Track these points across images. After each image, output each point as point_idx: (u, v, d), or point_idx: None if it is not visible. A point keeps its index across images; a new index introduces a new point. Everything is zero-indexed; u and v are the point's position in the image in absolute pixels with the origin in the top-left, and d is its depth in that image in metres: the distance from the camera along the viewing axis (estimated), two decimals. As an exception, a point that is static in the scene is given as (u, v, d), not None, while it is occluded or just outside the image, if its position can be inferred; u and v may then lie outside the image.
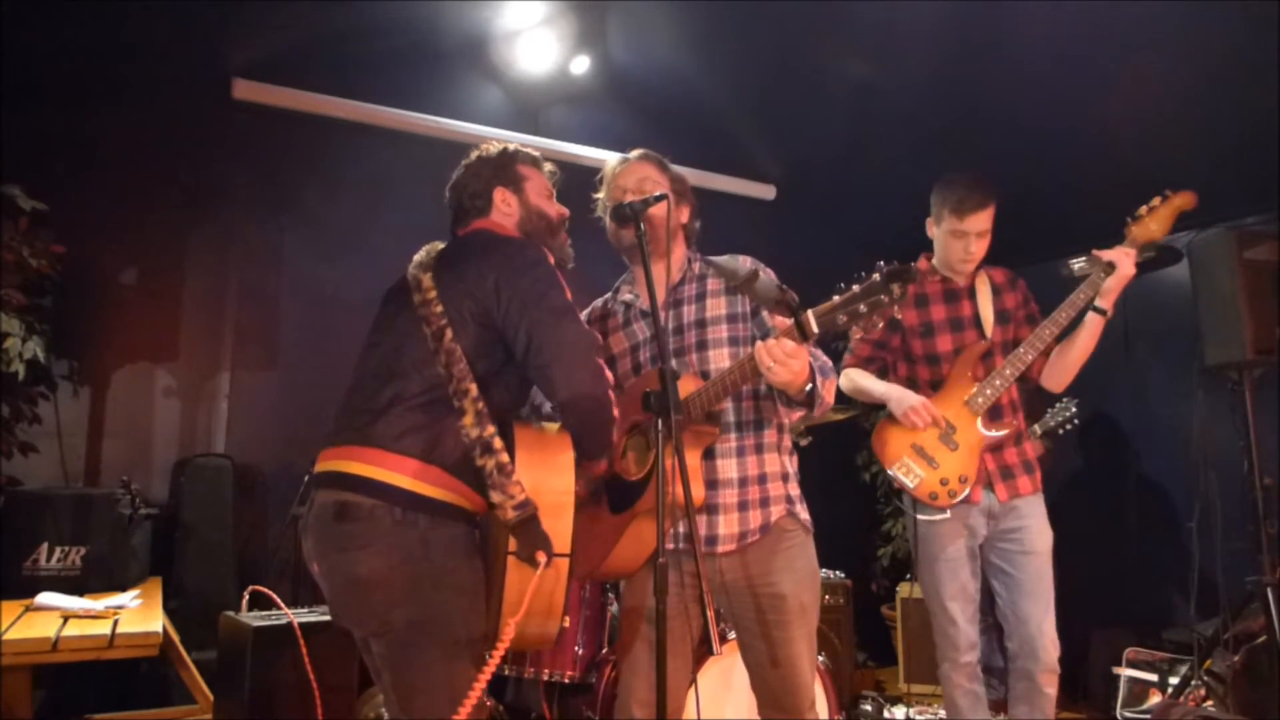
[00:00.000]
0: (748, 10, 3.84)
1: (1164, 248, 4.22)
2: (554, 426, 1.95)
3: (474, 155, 2.18)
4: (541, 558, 1.75)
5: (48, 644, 2.35)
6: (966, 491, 2.71)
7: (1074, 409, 3.94)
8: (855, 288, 1.80)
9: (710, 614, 1.75)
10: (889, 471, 2.81)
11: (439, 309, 1.86)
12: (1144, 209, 2.69)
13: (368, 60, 4.12)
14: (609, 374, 1.89)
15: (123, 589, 3.01)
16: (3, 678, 2.39)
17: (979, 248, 2.80)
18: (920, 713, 4.15)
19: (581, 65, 4.42)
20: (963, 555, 2.76)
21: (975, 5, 3.45)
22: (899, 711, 4.19)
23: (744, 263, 2.16)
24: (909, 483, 2.76)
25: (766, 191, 5.17)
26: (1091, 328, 2.71)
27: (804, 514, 2.25)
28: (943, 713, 3.92)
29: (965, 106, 4.09)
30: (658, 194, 2.12)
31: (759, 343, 1.93)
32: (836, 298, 1.82)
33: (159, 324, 3.91)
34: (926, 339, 2.86)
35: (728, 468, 2.17)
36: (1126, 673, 3.88)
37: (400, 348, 1.89)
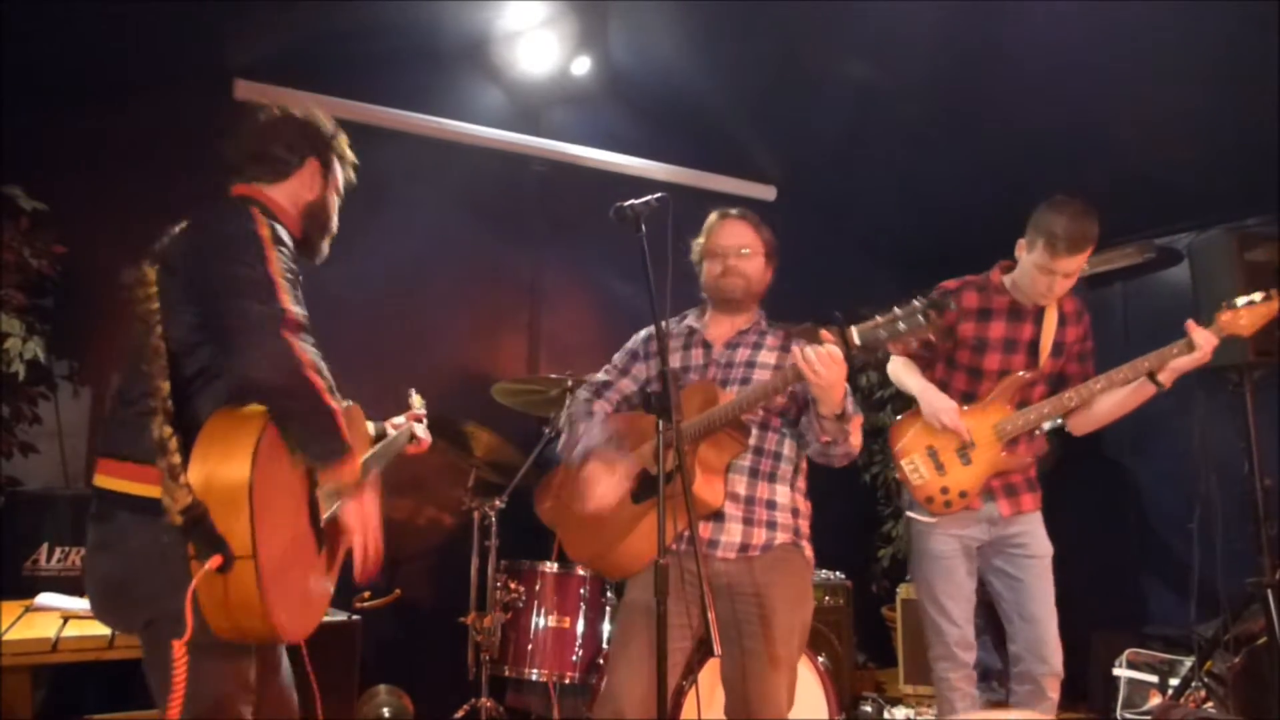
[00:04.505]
0: (748, 10, 3.84)
1: (1167, 250, 4.25)
2: (258, 409, 1.67)
3: (298, 111, 1.96)
4: (215, 563, 1.57)
5: (48, 644, 2.36)
6: (962, 508, 2.71)
7: None
8: (897, 310, 1.97)
9: (711, 615, 1.78)
10: (898, 462, 2.79)
11: (154, 306, 1.75)
12: (1242, 300, 2.50)
13: (368, 60, 4.11)
14: (302, 355, 1.65)
15: (123, 589, 3.00)
16: (3, 678, 2.39)
17: (1063, 288, 2.66)
18: (920, 714, 4.15)
19: (582, 66, 4.42)
20: (958, 553, 2.74)
21: (975, 6, 3.45)
22: (899, 712, 4.19)
23: None
24: (913, 480, 2.76)
25: (766, 192, 5.16)
26: (1139, 393, 2.62)
27: (808, 551, 2.36)
28: (944, 714, 3.93)
29: (965, 107, 4.08)
30: (658, 195, 2.13)
31: (805, 348, 2.02)
32: (879, 317, 1.98)
33: (159, 324, 3.90)
34: (976, 353, 2.76)
35: (738, 483, 2.29)
36: (1126, 674, 3.87)
37: (134, 350, 1.79)
